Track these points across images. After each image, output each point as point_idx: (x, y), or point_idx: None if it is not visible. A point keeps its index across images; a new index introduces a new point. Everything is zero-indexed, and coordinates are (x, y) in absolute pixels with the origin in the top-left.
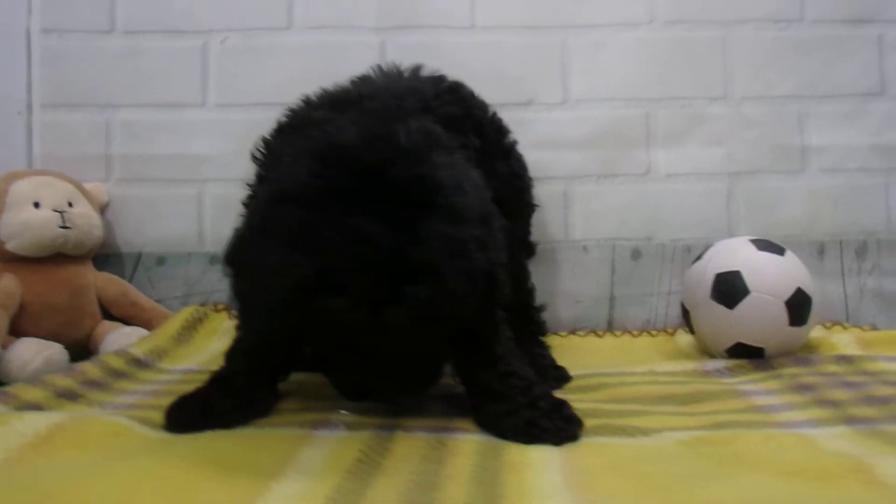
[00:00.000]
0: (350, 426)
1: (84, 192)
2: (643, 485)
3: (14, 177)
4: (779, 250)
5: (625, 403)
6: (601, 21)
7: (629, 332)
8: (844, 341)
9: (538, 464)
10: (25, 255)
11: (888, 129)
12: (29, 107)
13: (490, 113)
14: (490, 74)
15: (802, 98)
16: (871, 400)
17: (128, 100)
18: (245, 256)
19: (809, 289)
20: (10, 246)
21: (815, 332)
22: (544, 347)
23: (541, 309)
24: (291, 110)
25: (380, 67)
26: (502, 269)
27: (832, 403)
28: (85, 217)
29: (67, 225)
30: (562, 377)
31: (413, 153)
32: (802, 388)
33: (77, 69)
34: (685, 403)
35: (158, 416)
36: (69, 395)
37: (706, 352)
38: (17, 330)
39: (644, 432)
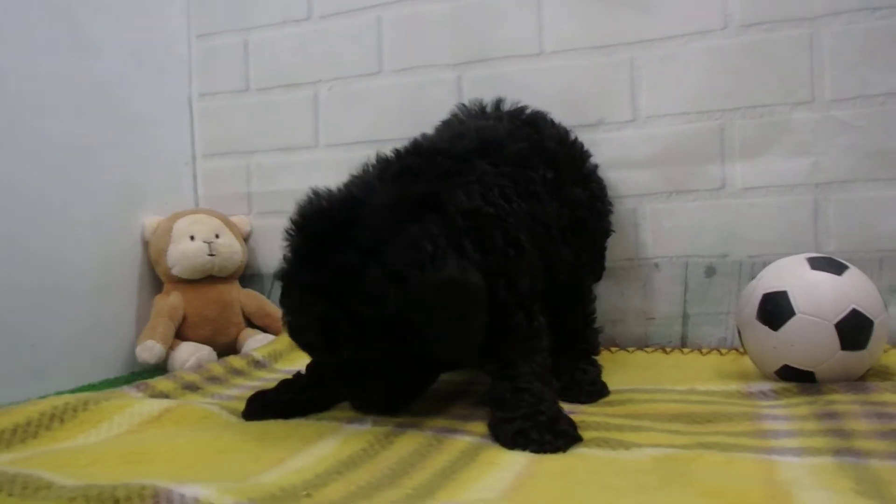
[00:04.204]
0: (376, 422)
1: (229, 225)
2: (569, 491)
3: (177, 216)
4: (837, 269)
5: (637, 419)
6: (670, 33)
7: (699, 350)
8: None
9: (502, 464)
10: (185, 278)
11: None
12: (193, 157)
13: (569, 140)
14: (559, 98)
15: None
16: (892, 434)
17: (260, 146)
18: None
19: (871, 310)
20: (175, 271)
21: None
22: (592, 364)
23: (598, 331)
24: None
25: (464, 106)
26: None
27: (843, 434)
28: (228, 246)
29: (213, 253)
30: (597, 392)
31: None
32: (829, 415)
33: (224, 124)
34: (695, 422)
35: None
36: (191, 387)
37: (761, 373)
38: (181, 335)
39: (626, 446)
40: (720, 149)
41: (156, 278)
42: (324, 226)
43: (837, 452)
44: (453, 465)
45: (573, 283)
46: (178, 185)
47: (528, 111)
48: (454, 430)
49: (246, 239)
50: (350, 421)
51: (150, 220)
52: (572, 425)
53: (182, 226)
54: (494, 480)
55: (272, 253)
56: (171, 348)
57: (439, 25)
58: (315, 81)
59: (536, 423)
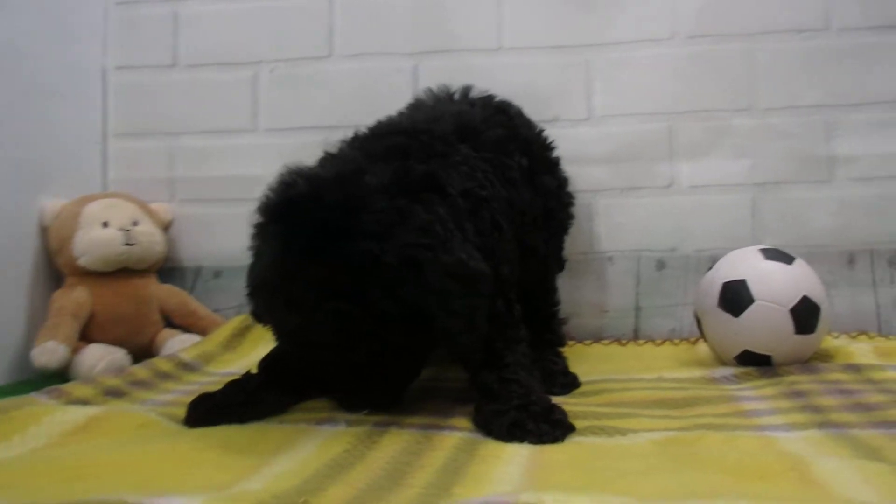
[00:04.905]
0: (350, 422)
1: (149, 212)
2: (590, 479)
3: (87, 199)
4: (787, 259)
5: (619, 407)
6: (624, 38)
7: (652, 342)
8: (862, 350)
9: (506, 457)
10: (95, 270)
11: None
12: (104, 136)
13: (537, 130)
14: (517, 93)
15: (830, 108)
16: (857, 407)
17: (189, 128)
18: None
19: (818, 297)
20: (82, 262)
21: (840, 340)
22: (559, 356)
23: (563, 321)
24: (340, 141)
25: (431, 91)
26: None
27: (816, 409)
28: (147, 235)
29: (131, 242)
30: (570, 383)
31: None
32: (796, 394)
33: (144, 101)
34: (676, 407)
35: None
36: (115, 393)
37: (719, 359)
38: (87, 337)
39: (622, 433)
40: (668, 149)
41: (55, 270)
42: (322, 212)
43: (821, 426)
44: (454, 462)
45: (541, 273)
46: (84, 165)
47: (497, 99)
48: (438, 427)
49: (166, 228)
50: (320, 422)
51: (52, 202)
52: (565, 415)
53: (93, 210)
54: (504, 474)
55: (196, 245)
56: (75, 351)
57: (397, 13)
58: (256, 62)
59: (531, 413)
